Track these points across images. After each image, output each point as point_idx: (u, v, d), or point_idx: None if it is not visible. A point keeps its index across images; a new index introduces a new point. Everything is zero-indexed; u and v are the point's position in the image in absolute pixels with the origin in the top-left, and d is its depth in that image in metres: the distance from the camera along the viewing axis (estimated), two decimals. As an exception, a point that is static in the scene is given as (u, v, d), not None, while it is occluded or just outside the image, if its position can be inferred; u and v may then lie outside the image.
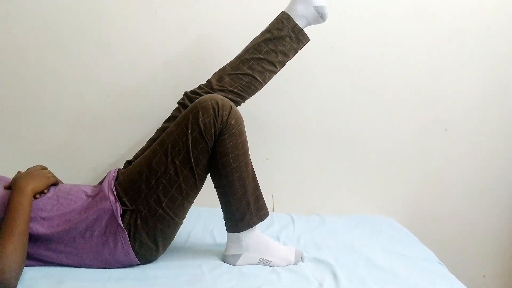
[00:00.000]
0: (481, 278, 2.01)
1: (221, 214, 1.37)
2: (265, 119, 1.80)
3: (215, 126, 1.22)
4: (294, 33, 1.44)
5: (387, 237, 1.64)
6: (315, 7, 1.44)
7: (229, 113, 1.23)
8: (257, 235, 1.36)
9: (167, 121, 1.44)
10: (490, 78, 1.87)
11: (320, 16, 1.46)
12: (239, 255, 1.33)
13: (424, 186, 1.92)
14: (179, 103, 1.45)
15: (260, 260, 1.34)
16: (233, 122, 1.24)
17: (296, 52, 1.49)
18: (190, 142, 1.22)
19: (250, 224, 1.32)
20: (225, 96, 1.35)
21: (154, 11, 1.68)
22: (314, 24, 1.49)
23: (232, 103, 1.26)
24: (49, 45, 1.66)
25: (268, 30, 1.45)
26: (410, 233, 1.69)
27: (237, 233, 1.33)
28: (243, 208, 1.30)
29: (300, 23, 1.44)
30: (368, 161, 1.88)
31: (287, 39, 1.44)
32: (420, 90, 1.84)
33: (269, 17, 1.47)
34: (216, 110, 1.22)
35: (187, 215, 1.35)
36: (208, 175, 1.31)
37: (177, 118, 1.29)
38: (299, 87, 1.79)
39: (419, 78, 1.83)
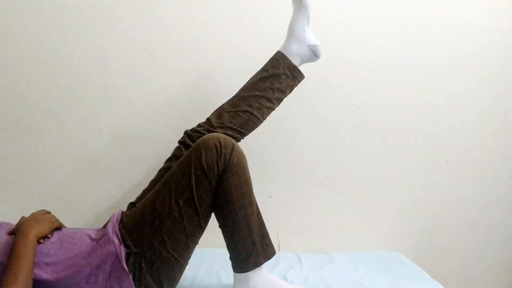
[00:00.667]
0: (495, 313, 1.96)
1: (226, 255, 1.35)
2: (267, 157, 1.81)
3: (218, 165, 1.23)
4: (289, 71, 1.47)
5: (396, 273, 1.60)
6: (309, 45, 1.49)
7: (232, 151, 1.24)
8: (265, 275, 1.33)
9: (169, 160, 1.45)
10: (488, 110, 1.89)
11: (314, 54, 1.51)
12: (246, 296, 1.31)
13: (431, 220, 1.91)
14: (179, 142, 1.46)
15: (268, 300, 1.31)
16: (235, 160, 1.24)
17: (292, 89, 1.52)
18: (193, 182, 1.22)
19: (256, 263, 1.30)
20: (224, 133, 1.37)
21: (155, 56, 1.73)
22: (308, 62, 1.53)
23: (234, 141, 1.27)
24: (49, 90, 1.70)
25: (264, 69, 1.49)
26: (419, 268, 1.66)
27: (244, 273, 1.31)
28: (249, 246, 1.29)
29: (294, 61, 1.48)
30: (373, 197, 1.88)
31: (283, 76, 1.47)
32: (420, 124, 1.86)
33: (265, 55, 1.51)
34: (219, 148, 1.23)
35: (192, 256, 1.33)
36: (213, 214, 1.31)
37: (180, 158, 1.30)
38: (299, 124, 1.81)
39: (419, 113, 1.86)
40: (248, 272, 1.31)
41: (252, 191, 1.31)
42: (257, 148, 1.71)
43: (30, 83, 1.69)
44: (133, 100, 1.73)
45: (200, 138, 1.28)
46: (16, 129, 1.70)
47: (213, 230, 1.34)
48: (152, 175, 1.47)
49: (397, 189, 1.88)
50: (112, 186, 1.72)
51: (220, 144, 1.24)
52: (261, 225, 1.33)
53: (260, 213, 1.34)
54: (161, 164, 1.46)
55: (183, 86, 1.74)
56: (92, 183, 1.73)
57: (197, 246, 1.33)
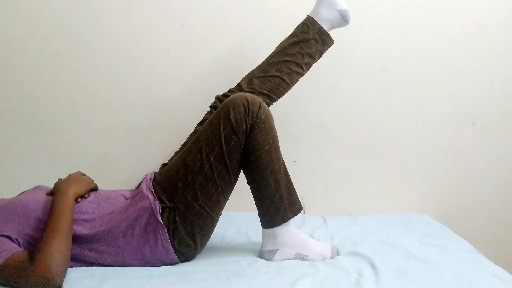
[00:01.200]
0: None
1: (254, 217, 1.40)
2: (291, 123, 1.83)
3: (246, 122, 1.26)
4: (319, 36, 1.49)
5: (422, 232, 1.62)
6: (339, 10, 1.50)
7: (259, 108, 1.27)
8: (292, 230, 1.37)
9: (200, 124, 1.49)
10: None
11: (343, 19, 1.52)
12: (275, 251, 1.35)
13: (456, 181, 1.91)
14: (211, 106, 1.50)
15: (296, 255, 1.35)
16: (263, 117, 1.27)
17: (321, 54, 1.54)
18: (223, 139, 1.26)
19: (284, 219, 1.34)
20: None
21: (180, 24, 1.75)
22: (338, 27, 1.54)
23: (261, 100, 1.30)
24: (81, 64, 1.75)
25: (294, 34, 1.51)
26: (445, 227, 1.68)
27: (272, 228, 1.35)
28: (277, 202, 1.32)
29: (324, 26, 1.49)
30: (397, 160, 1.89)
31: (313, 41, 1.49)
32: (445, 86, 1.85)
33: (294, 22, 1.52)
34: (246, 106, 1.26)
35: (221, 219, 1.37)
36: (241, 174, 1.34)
37: (210, 117, 1.33)
38: (323, 89, 1.82)
39: (443, 74, 1.85)
40: (276, 227, 1.34)
41: (279, 149, 1.34)
42: (280, 114, 1.72)
43: (62, 60, 1.74)
44: (161, 69, 1.76)
45: (228, 98, 1.31)
46: (49, 103, 1.76)
47: (241, 195, 1.39)
48: (184, 139, 1.51)
49: (422, 152, 1.89)
50: (143, 155, 1.78)
51: (247, 101, 1.27)
52: (288, 181, 1.37)
53: (287, 170, 1.37)
54: (192, 128, 1.50)
55: (211, 54, 1.77)
56: (124, 152, 1.79)
57: (225, 210, 1.37)
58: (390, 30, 1.81)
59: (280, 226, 1.34)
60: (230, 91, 1.50)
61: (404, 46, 1.82)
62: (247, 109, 1.26)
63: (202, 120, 1.49)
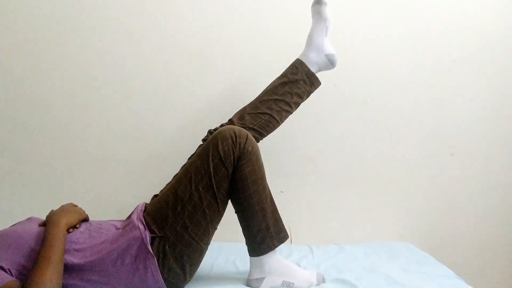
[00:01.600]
0: (504, 300, 2.00)
1: (242, 247, 1.44)
2: (278, 153, 1.90)
3: (234, 153, 1.32)
4: (307, 77, 1.59)
5: (406, 259, 1.67)
6: (326, 54, 1.61)
7: (246, 140, 1.34)
8: (279, 259, 1.41)
9: (191, 157, 1.54)
10: (493, 102, 1.96)
11: (330, 63, 1.63)
12: (262, 279, 1.38)
13: (438, 211, 1.97)
14: (203, 140, 1.57)
15: (283, 283, 1.39)
16: (250, 148, 1.34)
17: (309, 94, 1.64)
18: (211, 169, 1.32)
19: (271, 247, 1.38)
20: None
21: (172, 60, 1.84)
22: (325, 70, 1.65)
23: (248, 132, 1.37)
24: (75, 99, 1.82)
25: (284, 75, 1.61)
26: (428, 255, 1.72)
27: (259, 257, 1.39)
28: (263, 230, 1.37)
29: (312, 68, 1.60)
30: (381, 189, 1.95)
31: (301, 82, 1.59)
32: (425, 118, 1.94)
33: (284, 62, 1.62)
34: (234, 138, 1.33)
35: (209, 249, 1.41)
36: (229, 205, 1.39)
37: (199, 149, 1.39)
38: (309, 123, 1.90)
39: (423, 107, 1.94)
40: (263, 256, 1.39)
41: (265, 179, 1.39)
42: (268, 146, 1.79)
43: (56, 92, 1.81)
44: (154, 103, 1.84)
45: (217, 130, 1.38)
46: (43, 135, 1.81)
47: (230, 224, 1.44)
48: (176, 171, 1.56)
49: (404, 182, 1.96)
50: (135, 186, 1.83)
51: (235, 134, 1.33)
52: (274, 210, 1.42)
53: (273, 199, 1.42)
54: (184, 161, 1.56)
55: (206, 90, 1.86)
56: (115, 183, 1.84)
57: (214, 240, 1.41)
58: (372, 66, 1.91)
59: (267, 254, 1.39)
60: (222, 125, 1.57)
61: (385, 81, 1.92)
62: (234, 141, 1.32)
63: (193, 154, 1.55)
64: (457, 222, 1.98)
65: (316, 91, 1.69)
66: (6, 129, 1.80)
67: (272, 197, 1.42)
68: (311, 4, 1.61)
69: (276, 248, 1.40)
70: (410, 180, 1.96)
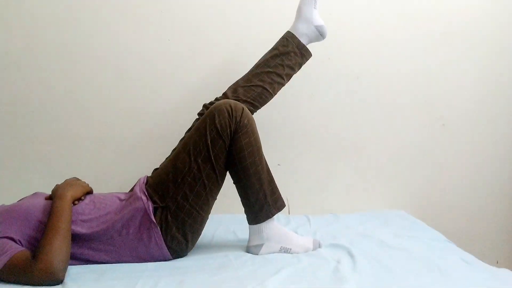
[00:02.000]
0: (495, 264, 2.08)
1: (241, 219, 1.51)
2: (274, 128, 1.95)
3: (230, 126, 1.37)
4: (298, 49, 1.63)
5: (398, 226, 1.74)
6: (315, 26, 1.64)
7: (242, 113, 1.39)
8: (276, 226, 1.48)
9: (188, 131, 1.59)
10: (482, 73, 2.02)
11: (320, 34, 1.66)
12: (261, 245, 1.45)
13: (429, 179, 2.05)
14: (198, 114, 1.61)
15: (281, 248, 1.46)
16: (245, 121, 1.39)
17: (300, 66, 1.68)
18: (209, 142, 1.37)
19: (268, 215, 1.45)
20: None
21: (167, 39, 1.87)
22: (316, 41, 1.68)
23: (243, 105, 1.42)
24: (76, 80, 1.86)
25: (275, 48, 1.64)
26: (419, 221, 1.80)
27: (257, 224, 1.45)
28: (261, 200, 1.43)
29: (303, 40, 1.64)
30: (374, 160, 2.02)
31: (292, 54, 1.62)
32: (416, 90, 2.00)
33: (275, 35, 1.65)
34: (230, 111, 1.38)
35: (209, 220, 1.48)
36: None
37: (196, 123, 1.45)
38: (303, 97, 1.95)
39: (414, 79, 1.99)
40: (261, 223, 1.45)
41: (262, 150, 1.45)
42: (264, 120, 1.84)
43: (56, 74, 1.85)
44: (150, 81, 1.88)
45: (213, 104, 1.43)
46: (44, 116, 1.86)
47: (229, 197, 1.50)
48: (174, 145, 1.62)
49: (397, 153, 2.02)
50: (137, 159, 1.89)
51: (231, 107, 1.38)
52: (271, 180, 1.48)
53: (269, 170, 1.48)
54: (182, 135, 1.60)
55: (200, 65, 1.90)
56: (118, 157, 1.90)
57: (214, 213, 1.48)
58: (364, 40, 1.95)
59: (264, 222, 1.45)
60: (216, 99, 1.61)
61: (377, 54, 1.96)
62: (230, 114, 1.37)
63: (190, 127, 1.60)
64: (449, 191, 2.06)
65: (310, 64, 1.73)
66: (9, 109, 1.84)
67: (268, 168, 1.48)
68: None
69: (274, 216, 1.47)
70: (403, 151, 2.02)
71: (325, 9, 1.71)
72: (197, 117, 1.62)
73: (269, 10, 1.89)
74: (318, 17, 1.64)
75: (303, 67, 1.70)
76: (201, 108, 1.64)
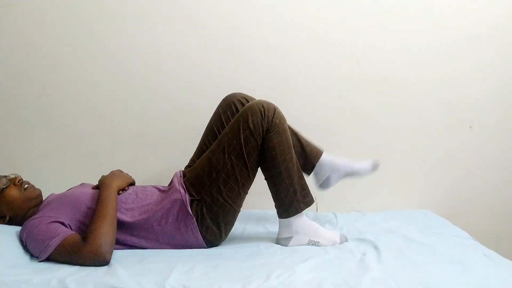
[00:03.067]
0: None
1: (271, 214, 1.62)
2: (304, 127, 1.97)
3: (262, 126, 1.47)
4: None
5: (423, 223, 1.78)
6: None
7: (274, 114, 1.48)
8: (305, 220, 1.56)
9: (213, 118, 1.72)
10: (507, 77, 2.05)
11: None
12: (290, 238, 1.54)
13: (456, 180, 2.08)
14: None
15: (309, 241, 1.54)
16: (277, 121, 1.48)
17: None
18: (242, 140, 1.47)
19: (298, 210, 1.53)
20: None
21: (203, 43, 1.99)
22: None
23: (276, 106, 1.51)
24: (118, 80, 1.99)
25: None
26: (445, 220, 1.83)
27: (287, 218, 1.54)
28: (291, 195, 1.52)
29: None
30: (401, 161, 2.07)
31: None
32: (443, 93, 2.04)
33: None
34: (263, 112, 1.47)
35: (241, 215, 1.58)
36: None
37: (231, 122, 1.55)
38: (332, 96, 2.02)
39: (441, 82, 2.03)
40: (291, 217, 1.54)
41: (292, 148, 1.54)
42: (293, 120, 1.92)
43: (99, 75, 1.98)
44: (186, 82, 2.00)
45: (246, 105, 1.53)
46: (89, 114, 2.00)
47: (260, 193, 1.60)
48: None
49: (423, 154, 2.06)
50: (174, 154, 1.98)
51: (264, 108, 1.48)
52: (301, 177, 1.56)
53: (299, 167, 1.57)
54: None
55: (234, 71, 2.00)
56: (152, 154, 2.02)
57: (245, 208, 1.58)
58: (392, 42, 2.01)
59: (294, 216, 1.54)
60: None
61: (405, 57, 2.02)
62: (263, 115, 1.47)
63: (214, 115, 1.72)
64: (474, 191, 2.09)
65: (339, 66, 1.80)
66: (60, 111, 1.99)
67: (299, 165, 1.57)
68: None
69: (303, 211, 1.55)
70: (429, 152, 2.07)
71: (354, 16, 1.77)
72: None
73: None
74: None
75: (333, 67, 1.77)
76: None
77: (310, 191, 1.58)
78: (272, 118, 1.48)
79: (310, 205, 1.57)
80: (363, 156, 2.03)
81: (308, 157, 1.69)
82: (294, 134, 1.68)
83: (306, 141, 1.71)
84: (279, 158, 1.49)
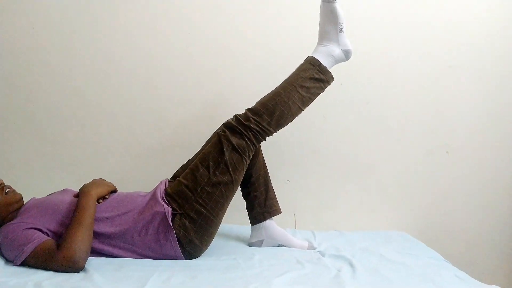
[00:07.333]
0: (492, 290, 2.14)
1: (249, 230, 1.74)
2: (286, 147, 2.06)
3: (245, 141, 1.55)
4: (321, 73, 1.65)
5: (399, 244, 1.82)
6: (343, 50, 1.68)
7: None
8: (275, 227, 1.71)
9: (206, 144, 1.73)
10: (484, 105, 2.12)
11: (345, 57, 1.70)
12: (261, 241, 1.70)
13: (432, 204, 2.13)
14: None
15: (279, 244, 1.68)
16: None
17: (321, 90, 1.69)
18: (227, 157, 1.52)
19: (266, 217, 1.69)
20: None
21: (192, 58, 2.03)
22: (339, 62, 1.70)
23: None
24: (106, 92, 2.02)
25: (298, 70, 1.66)
26: (420, 242, 1.88)
27: (257, 224, 1.69)
28: (262, 206, 1.68)
29: (326, 62, 1.65)
30: (380, 183, 2.12)
31: (313, 79, 1.64)
32: (422, 118, 2.11)
33: (298, 57, 1.73)
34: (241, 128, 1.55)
35: (221, 230, 1.67)
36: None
37: (213, 140, 1.59)
38: (315, 118, 2.06)
39: (421, 107, 2.10)
40: (260, 223, 1.69)
41: (266, 166, 1.71)
42: (277, 138, 1.96)
43: (87, 83, 2.01)
44: (176, 96, 2.04)
45: (224, 123, 1.61)
46: (74, 123, 2.02)
47: (239, 210, 1.71)
48: (190, 155, 1.76)
49: (402, 177, 2.12)
50: (158, 163, 2.04)
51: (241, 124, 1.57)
52: (272, 189, 1.72)
53: (271, 183, 1.73)
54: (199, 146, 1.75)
55: (221, 85, 2.05)
56: (138, 167, 2.04)
57: (226, 223, 1.68)
58: (375, 68, 2.08)
59: (263, 222, 1.69)
60: (235, 117, 1.70)
61: (387, 82, 2.09)
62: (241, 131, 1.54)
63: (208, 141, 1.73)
64: (451, 216, 2.14)
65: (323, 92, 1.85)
66: (45, 118, 2.00)
67: (270, 181, 1.73)
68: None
69: (272, 219, 1.71)
70: (408, 175, 2.12)
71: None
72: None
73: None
74: (347, 41, 1.67)
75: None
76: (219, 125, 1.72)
77: (278, 204, 1.74)
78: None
79: (276, 215, 1.72)
80: (346, 176, 2.10)
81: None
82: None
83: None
84: (259, 173, 1.68)
